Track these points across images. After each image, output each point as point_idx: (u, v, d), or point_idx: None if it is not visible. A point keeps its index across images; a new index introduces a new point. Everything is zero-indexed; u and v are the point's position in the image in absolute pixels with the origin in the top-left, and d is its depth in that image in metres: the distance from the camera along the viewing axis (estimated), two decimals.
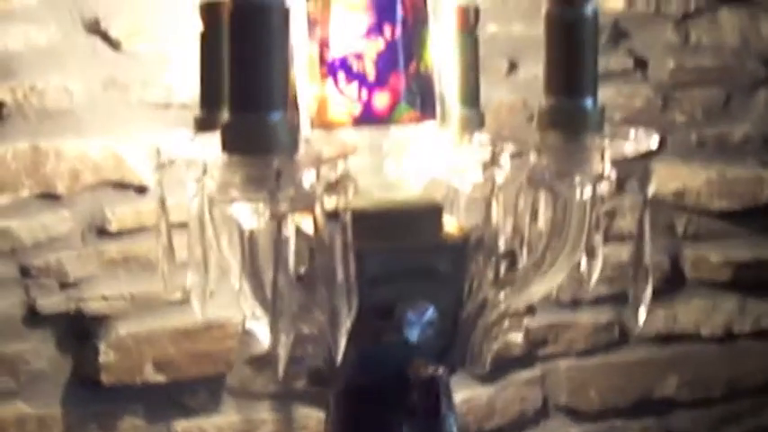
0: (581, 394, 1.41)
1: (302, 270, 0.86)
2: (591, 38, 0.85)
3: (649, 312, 1.35)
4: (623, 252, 1.37)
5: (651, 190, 0.86)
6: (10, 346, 1.15)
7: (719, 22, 1.40)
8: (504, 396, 1.37)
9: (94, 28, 1.11)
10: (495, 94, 1.29)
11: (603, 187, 0.86)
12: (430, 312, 0.86)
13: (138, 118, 1.14)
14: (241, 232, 0.79)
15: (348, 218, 0.79)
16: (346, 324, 0.79)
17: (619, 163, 1.25)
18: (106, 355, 1.17)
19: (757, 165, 1.45)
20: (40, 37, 1.09)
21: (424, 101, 0.92)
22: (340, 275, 0.79)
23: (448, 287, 0.89)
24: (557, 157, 0.85)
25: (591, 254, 0.90)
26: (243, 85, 0.76)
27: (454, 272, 0.89)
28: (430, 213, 0.91)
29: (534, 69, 1.22)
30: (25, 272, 1.14)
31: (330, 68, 0.89)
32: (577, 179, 0.85)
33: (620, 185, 1.30)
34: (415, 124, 0.91)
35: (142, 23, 1.11)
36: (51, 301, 1.15)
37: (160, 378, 1.19)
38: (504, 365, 1.36)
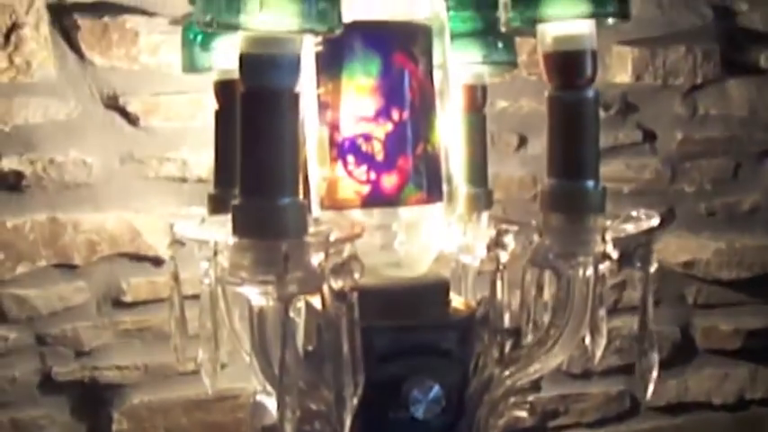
0: None
1: (310, 347, 0.87)
2: (592, 121, 0.87)
3: (660, 382, 1.37)
4: (634, 323, 1.38)
5: (653, 267, 0.87)
6: (26, 411, 1.18)
7: (727, 93, 1.42)
8: None
9: (113, 103, 1.13)
10: (505, 168, 1.31)
11: (605, 267, 0.87)
12: (435, 390, 0.87)
13: (154, 191, 1.17)
14: (250, 310, 0.81)
15: (355, 298, 0.81)
16: (352, 402, 0.80)
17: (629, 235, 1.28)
18: (119, 423, 1.20)
19: (766, 234, 1.46)
20: (59, 111, 1.12)
21: (430, 182, 0.93)
22: (346, 354, 0.80)
23: (454, 364, 0.90)
24: (559, 238, 0.86)
25: (595, 330, 0.91)
26: (252, 169, 0.78)
27: (460, 349, 0.90)
28: (437, 291, 0.93)
29: (543, 144, 1.25)
30: (41, 340, 1.16)
31: (339, 150, 0.91)
32: (580, 260, 0.86)
33: (629, 258, 1.33)
34: (422, 206, 0.93)
35: (159, 100, 1.14)
36: (66, 369, 1.18)
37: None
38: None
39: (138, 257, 1.17)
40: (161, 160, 1.16)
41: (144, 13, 1.12)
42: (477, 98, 1.05)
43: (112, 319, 1.18)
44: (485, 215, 1.05)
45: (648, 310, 0.88)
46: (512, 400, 0.92)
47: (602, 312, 0.92)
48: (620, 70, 1.33)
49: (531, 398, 0.93)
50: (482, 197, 1.05)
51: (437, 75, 0.96)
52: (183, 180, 1.17)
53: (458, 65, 1.03)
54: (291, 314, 0.79)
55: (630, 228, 0.86)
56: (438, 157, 0.94)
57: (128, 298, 1.18)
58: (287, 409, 0.78)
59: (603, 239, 0.84)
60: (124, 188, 1.16)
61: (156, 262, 1.17)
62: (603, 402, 1.41)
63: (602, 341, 0.92)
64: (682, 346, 1.45)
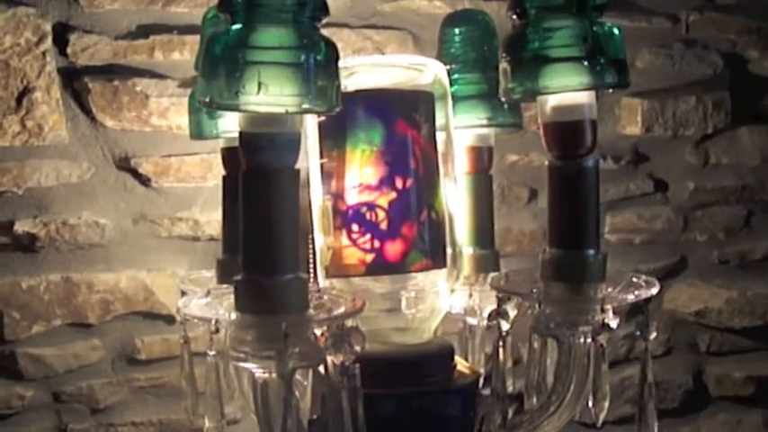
0: None
1: (315, 415, 0.89)
2: (592, 190, 0.87)
3: (675, 428, 1.38)
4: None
5: (653, 335, 0.87)
6: None
7: (738, 142, 1.42)
8: None
9: (125, 165, 1.15)
10: (516, 222, 1.32)
11: (606, 334, 0.87)
12: None
13: (167, 250, 1.18)
14: (254, 382, 0.82)
15: (356, 369, 0.82)
16: None
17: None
18: None
19: None
20: (72, 173, 1.14)
21: (434, 248, 0.94)
22: (348, 423, 0.81)
23: (457, 429, 0.91)
24: (560, 307, 0.87)
25: (599, 393, 0.91)
26: (253, 246, 0.80)
27: (464, 414, 0.91)
28: (441, 357, 0.94)
29: None
30: (57, 398, 1.18)
31: (344, 219, 0.92)
32: (580, 328, 0.87)
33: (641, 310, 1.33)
34: (426, 272, 0.94)
35: (170, 161, 1.15)
36: (82, 426, 1.20)
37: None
38: None
39: (151, 315, 1.19)
40: (173, 220, 1.18)
41: (153, 75, 1.14)
42: (483, 160, 1.06)
43: (127, 377, 1.20)
44: (491, 277, 1.05)
45: (648, 378, 0.88)
46: None
47: (605, 377, 0.92)
48: (630, 122, 1.34)
49: None
50: (489, 259, 1.06)
51: (440, 138, 0.96)
52: (196, 239, 1.18)
53: (463, 127, 1.03)
54: (298, 377, 0.81)
55: (630, 297, 0.86)
56: (442, 223, 0.95)
57: (142, 356, 1.19)
58: None
59: (603, 310, 0.84)
60: (137, 248, 1.17)
61: (170, 320, 1.19)
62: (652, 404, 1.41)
63: (606, 403, 0.92)
64: (695, 393, 1.45)
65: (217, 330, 0.78)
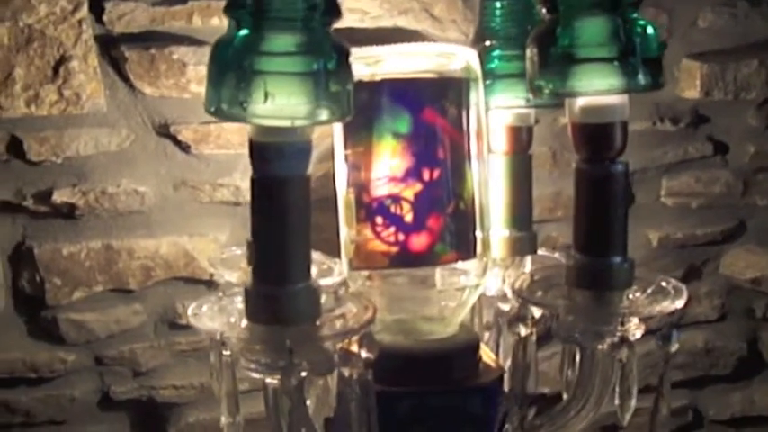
0: None
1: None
2: (620, 195, 0.84)
3: (726, 395, 1.35)
4: (698, 338, 1.36)
5: (674, 347, 0.84)
6: (86, 428, 1.22)
7: None
8: None
9: (164, 132, 1.14)
10: (567, 186, 1.28)
11: (633, 337, 0.85)
12: None
13: (208, 215, 1.18)
14: (264, 387, 0.82)
15: (370, 376, 0.82)
16: None
17: (694, 249, 1.25)
18: None
19: None
20: (111, 141, 1.13)
21: (462, 239, 0.93)
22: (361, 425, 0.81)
23: (478, 427, 0.90)
24: (583, 314, 0.85)
25: (625, 395, 0.89)
26: (263, 256, 0.79)
27: (485, 412, 0.91)
28: (465, 353, 0.93)
29: None
30: (100, 361, 1.19)
31: (368, 212, 0.90)
32: (604, 336, 0.84)
33: (697, 275, 1.30)
34: (452, 264, 0.92)
35: (209, 129, 1.14)
36: (124, 389, 1.21)
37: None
38: None
39: (192, 281, 1.19)
40: (214, 186, 1.17)
41: (192, 42, 1.12)
42: (522, 140, 1.03)
43: (168, 340, 1.20)
44: (528, 259, 1.03)
45: (664, 390, 0.86)
46: None
47: (632, 378, 0.90)
48: (688, 85, 1.29)
49: None
50: (525, 241, 1.03)
51: (473, 119, 0.93)
52: (237, 204, 1.18)
53: (502, 107, 1.00)
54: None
55: (654, 310, 0.83)
56: (470, 213, 0.93)
57: (183, 320, 1.20)
58: None
59: (623, 323, 0.82)
60: (178, 214, 1.17)
61: (210, 285, 1.18)
62: (665, 416, 1.39)
63: (632, 403, 0.90)
64: (748, 359, 1.42)
65: (224, 343, 0.78)
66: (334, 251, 0.94)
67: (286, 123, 0.74)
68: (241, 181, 1.17)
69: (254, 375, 0.80)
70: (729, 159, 1.35)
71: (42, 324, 1.17)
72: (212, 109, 0.75)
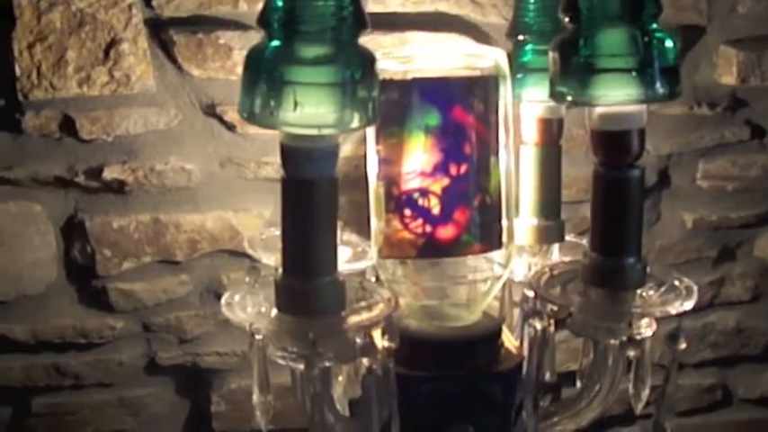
0: None
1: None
2: (636, 199, 0.87)
3: (756, 375, 1.38)
4: (730, 319, 1.39)
5: (682, 346, 0.88)
6: (133, 391, 1.28)
7: None
8: None
9: (211, 112, 1.18)
10: None
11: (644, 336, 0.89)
12: None
13: (253, 191, 1.23)
14: (292, 372, 0.87)
15: (391, 364, 0.86)
16: None
17: (728, 232, 1.27)
18: (218, 405, 1.29)
19: None
20: (159, 120, 1.18)
21: (487, 231, 0.96)
22: (376, 415, 0.86)
23: (496, 412, 0.95)
24: (597, 312, 0.88)
25: (639, 385, 0.93)
26: (292, 251, 0.83)
27: (503, 398, 0.95)
28: (486, 341, 0.97)
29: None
30: (147, 328, 1.25)
31: (396, 204, 0.94)
32: (616, 333, 0.88)
33: (731, 256, 1.32)
34: (477, 255, 0.96)
35: None
36: (170, 355, 1.27)
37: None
38: (605, 422, 1.40)
39: (237, 253, 1.24)
40: (259, 164, 1.21)
41: (238, 26, 1.16)
42: (553, 132, 1.06)
43: (213, 310, 1.26)
44: (555, 248, 1.07)
45: (672, 385, 0.89)
46: None
47: (646, 370, 0.93)
48: (725, 71, 1.30)
49: None
50: (552, 230, 1.07)
51: (501, 115, 0.96)
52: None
53: (534, 101, 1.03)
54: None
55: (662, 311, 0.87)
56: (495, 206, 0.97)
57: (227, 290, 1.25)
58: None
59: (630, 325, 0.85)
60: (223, 190, 1.22)
61: (254, 257, 1.23)
62: (695, 394, 1.43)
63: (645, 393, 0.94)
64: None
65: (253, 335, 0.83)
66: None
67: (314, 132, 0.78)
68: None
69: (281, 362, 0.84)
70: (767, 143, 1.36)
71: (92, 293, 1.23)
72: (245, 115, 0.79)
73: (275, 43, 0.78)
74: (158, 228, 1.21)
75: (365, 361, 0.84)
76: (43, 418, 1.27)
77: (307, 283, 0.83)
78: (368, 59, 0.80)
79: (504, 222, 0.97)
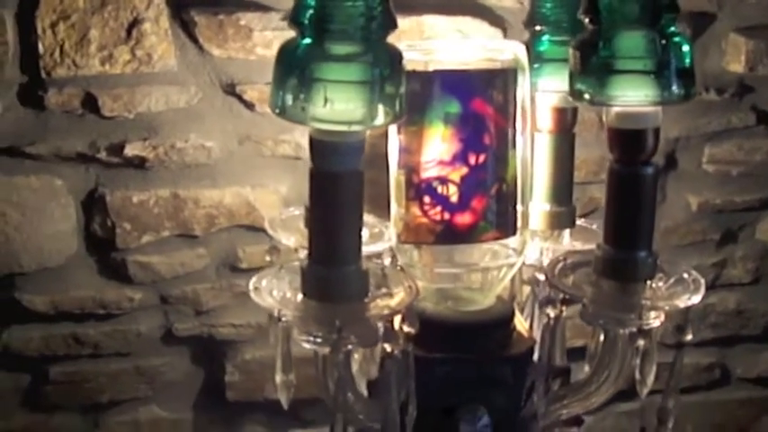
0: (677, 428, 1.47)
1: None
2: (648, 195, 0.91)
3: (754, 355, 1.42)
4: (731, 300, 1.42)
5: (688, 336, 0.91)
6: (149, 360, 1.32)
7: None
8: (602, 426, 1.45)
9: (231, 90, 1.21)
10: None
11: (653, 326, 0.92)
12: (485, 419, 0.96)
13: (270, 168, 1.25)
14: (315, 354, 0.90)
15: (410, 348, 0.90)
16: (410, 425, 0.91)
17: (732, 215, 1.31)
18: (232, 375, 1.33)
19: None
20: (180, 98, 1.20)
21: (504, 219, 0.99)
22: (395, 397, 0.89)
23: (507, 394, 0.98)
24: (608, 302, 0.92)
25: (645, 371, 0.97)
26: (319, 240, 0.87)
27: (515, 380, 0.98)
28: (498, 325, 1.00)
29: None
30: (164, 300, 1.28)
31: (416, 191, 0.97)
32: (626, 323, 0.91)
33: (734, 239, 1.35)
34: (493, 242, 0.99)
35: None
36: (186, 326, 1.30)
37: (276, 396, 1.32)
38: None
39: (253, 228, 1.26)
40: (277, 141, 1.24)
41: (258, 7, 1.18)
42: (567, 120, 1.09)
43: (229, 283, 1.29)
44: (566, 233, 1.10)
45: (676, 379, 0.92)
46: (556, 431, 1.00)
47: (652, 358, 0.97)
48: (734, 59, 1.33)
49: (574, 430, 1.00)
50: (564, 216, 1.10)
51: (519, 106, 0.99)
52: (297, 158, 1.24)
53: (549, 91, 1.06)
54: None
55: (670, 304, 0.90)
56: (513, 194, 1.00)
57: (243, 264, 1.28)
58: None
59: (640, 317, 0.88)
60: (242, 166, 1.24)
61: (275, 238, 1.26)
62: (694, 372, 1.46)
63: (650, 379, 0.97)
64: None
65: (279, 320, 0.86)
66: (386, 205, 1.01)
67: (343, 128, 0.81)
68: (301, 137, 1.23)
69: (307, 346, 0.88)
70: None
71: (112, 265, 1.26)
72: (277, 110, 0.81)
73: (306, 41, 0.81)
74: (177, 203, 1.24)
75: (386, 346, 0.87)
76: (60, 386, 1.30)
77: (332, 271, 0.86)
78: (396, 57, 0.83)
79: (519, 210, 1.00)
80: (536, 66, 1.05)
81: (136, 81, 1.19)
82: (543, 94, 1.07)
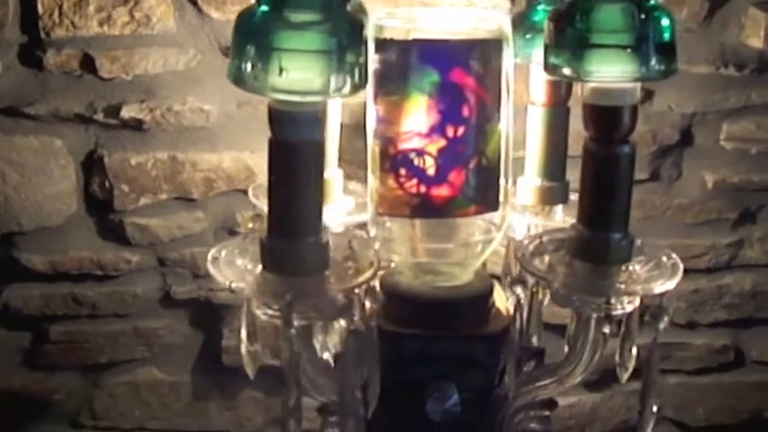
0: (688, 409, 1.45)
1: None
2: (625, 175, 0.87)
3: None
4: (746, 281, 1.39)
5: (663, 324, 0.88)
6: (148, 322, 1.32)
7: None
8: (610, 404, 1.43)
9: (229, 53, 1.19)
10: None
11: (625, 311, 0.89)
12: (454, 398, 0.94)
13: (268, 132, 1.23)
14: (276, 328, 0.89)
15: (373, 323, 0.88)
16: (359, 403, 0.89)
17: (751, 194, 1.27)
18: (228, 339, 1.33)
19: None
20: (178, 61, 1.19)
21: (483, 194, 0.96)
22: (354, 374, 0.88)
23: (480, 373, 0.96)
24: (580, 284, 0.89)
25: (625, 354, 0.94)
26: (277, 211, 0.85)
27: (488, 360, 0.96)
28: (475, 302, 0.98)
29: (668, 100, 1.24)
30: (162, 262, 1.28)
31: (392, 163, 0.95)
32: (598, 305, 0.89)
33: (752, 219, 1.32)
34: (471, 217, 0.97)
35: None
36: (184, 289, 1.30)
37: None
38: (614, 375, 1.40)
39: None
40: None
41: None
42: (561, 93, 1.06)
43: None
44: (559, 208, 1.07)
45: (654, 371, 0.90)
46: (530, 413, 0.97)
47: (631, 341, 0.94)
48: (753, 33, 1.28)
49: (546, 413, 0.98)
50: (556, 191, 1.07)
51: (502, 79, 0.96)
52: None
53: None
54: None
55: (644, 289, 0.87)
56: (494, 168, 0.97)
57: (242, 229, 1.27)
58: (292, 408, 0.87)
59: (608, 301, 0.86)
60: (240, 130, 1.23)
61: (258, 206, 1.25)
62: (705, 354, 1.43)
63: (631, 364, 0.95)
64: None
65: (232, 291, 0.85)
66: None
67: (297, 98, 0.79)
68: None
69: (264, 318, 0.87)
70: None
71: (110, 226, 1.26)
72: (232, 78, 0.80)
73: (264, 8, 0.79)
74: (175, 166, 1.24)
75: (344, 322, 0.85)
76: (60, 345, 1.31)
77: (290, 243, 0.84)
78: (356, 26, 0.81)
79: (502, 185, 0.97)
80: (529, 36, 1.03)
81: (134, 43, 1.19)
82: (537, 65, 1.03)
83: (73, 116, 1.20)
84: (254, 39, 0.79)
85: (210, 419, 1.36)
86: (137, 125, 1.20)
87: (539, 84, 1.05)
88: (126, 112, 1.19)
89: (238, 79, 0.80)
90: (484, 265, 1.03)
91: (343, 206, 1.06)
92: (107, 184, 1.23)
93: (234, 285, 0.85)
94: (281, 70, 0.78)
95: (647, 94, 1.30)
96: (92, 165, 1.23)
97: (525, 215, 1.08)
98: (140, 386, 1.35)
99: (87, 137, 1.22)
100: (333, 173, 1.06)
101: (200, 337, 1.33)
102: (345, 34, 0.79)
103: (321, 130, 0.83)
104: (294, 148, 0.82)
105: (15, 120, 1.21)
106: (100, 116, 1.20)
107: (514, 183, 1.04)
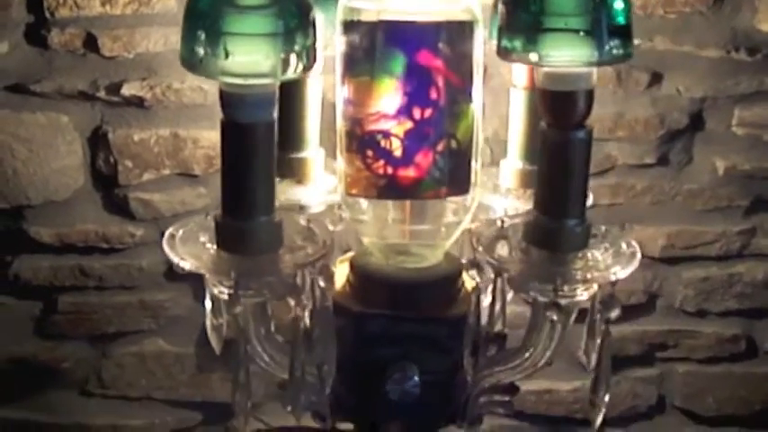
0: (698, 398, 1.43)
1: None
2: (581, 161, 0.87)
3: None
4: (759, 271, 1.36)
5: (615, 313, 0.88)
6: (153, 294, 1.35)
7: None
8: (617, 390, 1.42)
9: None
10: (631, 107, 1.29)
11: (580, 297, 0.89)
12: (414, 380, 0.95)
13: None
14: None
15: (328, 303, 0.90)
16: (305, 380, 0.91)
17: (763, 182, 1.25)
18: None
19: None
20: (179, 39, 1.21)
21: (452, 176, 0.96)
22: (301, 351, 0.90)
23: (443, 356, 0.96)
24: (536, 271, 0.89)
25: (590, 342, 0.94)
26: (229, 192, 0.87)
27: (448, 342, 0.96)
28: (441, 284, 0.98)
29: (675, 84, 1.23)
30: None
31: (359, 144, 0.96)
32: (554, 292, 0.89)
33: (764, 207, 1.29)
34: (439, 199, 0.97)
35: None
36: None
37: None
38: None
39: None
40: None
41: None
42: None
43: None
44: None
45: (606, 361, 0.89)
46: (494, 397, 0.98)
47: (597, 327, 0.93)
48: (766, 17, 1.25)
49: (507, 398, 0.98)
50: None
51: (473, 61, 0.96)
52: None
53: None
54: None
55: (602, 276, 0.86)
56: (464, 151, 0.97)
57: None
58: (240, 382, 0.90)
59: (555, 291, 0.85)
60: None
61: None
62: (715, 343, 1.41)
63: (594, 356, 0.94)
64: None
65: (182, 270, 0.87)
66: None
67: (245, 80, 0.80)
68: None
69: (219, 296, 0.88)
70: None
71: (115, 201, 1.29)
72: (183, 63, 0.82)
73: None
74: (177, 142, 1.26)
75: (290, 300, 0.87)
76: (69, 315, 1.35)
77: (242, 223, 0.86)
78: (305, 8, 0.81)
79: (472, 168, 0.97)
80: None
81: (135, 22, 1.21)
82: None
83: (77, 93, 1.23)
84: (202, 22, 0.80)
85: (213, 390, 1.39)
86: (138, 102, 1.23)
87: (520, 67, 1.05)
88: (127, 90, 1.22)
89: (189, 63, 0.81)
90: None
91: (325, 185, 1.07)
92: (111, 159, 1.26)
93: (182, 264, 0.86)
94: (227, 54, 0.79)
95: (655, 78, 1.29)
96: (97, 141, 1.26)
97: (509, 198, 1.07)
98: (147, 357, 1.38)
99: (93, 113, 1.25)
100: (314, 152, 1.06)
101: (203, 309, 1.35)
102: (292, 17, 0.80)
103: (272, 112, 0.84)
104: (245, 130, 0.83)
105: (23, 97, 1.24)
106: (102, 93, 1.23)
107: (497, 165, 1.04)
